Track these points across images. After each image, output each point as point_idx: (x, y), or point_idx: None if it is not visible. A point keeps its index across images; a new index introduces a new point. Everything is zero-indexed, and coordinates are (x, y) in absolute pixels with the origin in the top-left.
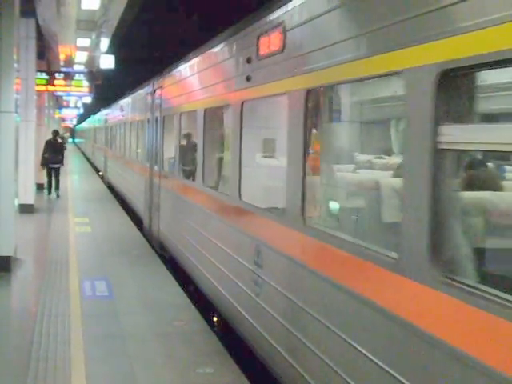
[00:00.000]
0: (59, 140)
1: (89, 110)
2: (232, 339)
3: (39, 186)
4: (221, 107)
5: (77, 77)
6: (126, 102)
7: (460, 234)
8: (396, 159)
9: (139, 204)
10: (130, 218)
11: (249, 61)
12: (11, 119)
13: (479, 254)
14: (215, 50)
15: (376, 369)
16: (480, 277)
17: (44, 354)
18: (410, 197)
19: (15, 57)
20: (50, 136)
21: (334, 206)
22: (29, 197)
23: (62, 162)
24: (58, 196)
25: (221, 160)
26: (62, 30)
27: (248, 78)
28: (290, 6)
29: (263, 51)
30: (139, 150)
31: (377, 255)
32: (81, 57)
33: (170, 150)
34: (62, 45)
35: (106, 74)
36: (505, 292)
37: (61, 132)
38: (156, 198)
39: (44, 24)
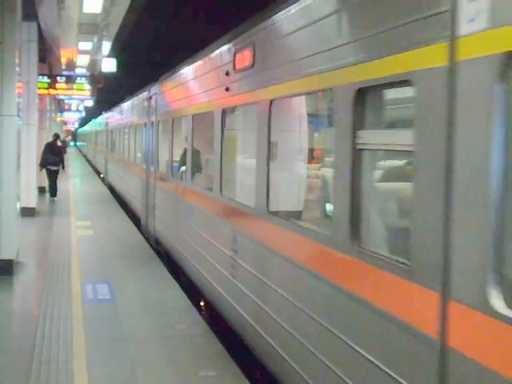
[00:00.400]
0: (59, 143)
1: (90, 114)
2: (234, 342)
3: (41, 190)
4: (206, 113)
5: (78, 80)
6: (124, 106)
7: (374, 215)
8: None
9: (137, 204)
10: (130, 218)
11: (227, 74)
12: (13, 123)
13: (388, 230)
14: (201, 62)
15: (318, 326)
16: (386, 247)
17: (46, 357)
18: (337, 185)
19: (17, 60)
20: (51, 139)
21: (288, 198)
22: (31, 200)
23: (62, 166)
24: (54, 195)
25: (206, 160)
26: (63, 33)
27: (227, 89)
28: (258, 28)
29: (238, 66)
30: (137, 153)
31: (318, 235)
32: (82, 60)
33: (164, 153)
34: (63, 48)
35: (108, 78)
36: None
37: (62, 135)
38: (152, 198)
39: (46, 27)
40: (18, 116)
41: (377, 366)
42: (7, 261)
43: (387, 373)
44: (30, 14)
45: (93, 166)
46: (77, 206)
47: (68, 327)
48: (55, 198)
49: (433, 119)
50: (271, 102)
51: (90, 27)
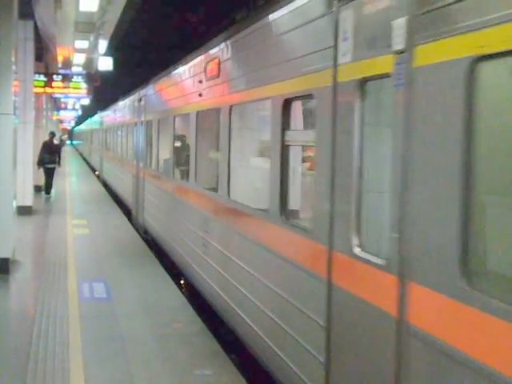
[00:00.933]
0: (55, 142)
1: (87, 112)
2: (231, 341)
3: (37, 188)
4: (185, 115)
5: (75, 79)
6: (118, 107)
7: (295, 194)
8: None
9: (128, 197)
10: (124, 214)
11: (200, 81)
12: (9, 121)
13: (302, 206)
14: (181, 70)
15: (258, 282)
16: (301, 218)
17: (42, 356)
18: (271, 173)
19: (13, 59)
20: (48, 138)
21: (242, 185)
22: (27, 199)
23: (58, 163)
24: (48, 193)
25: (185, 155)
26: (60, 31)
27: (200, 95)
28: (222, 45)
29: (208, 75)
30: (128, 150)
31: (261, 212)
32: (79, 59)
33: (152, 150)
34: (60, 47)
35: (105, 76)
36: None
37: (59, 134)
38: (141, 191)
39: (42, 26)
40: (15, 114)
41: (288, 300)
42: (3, 259)
43: (292, 303)
44: (27, 12)
45: (89, 164)
46: (73, 205)
47: (64, 326)
48: (49, 196)
49: (324, 123)
50: (231, 107)
51: (87, 26)
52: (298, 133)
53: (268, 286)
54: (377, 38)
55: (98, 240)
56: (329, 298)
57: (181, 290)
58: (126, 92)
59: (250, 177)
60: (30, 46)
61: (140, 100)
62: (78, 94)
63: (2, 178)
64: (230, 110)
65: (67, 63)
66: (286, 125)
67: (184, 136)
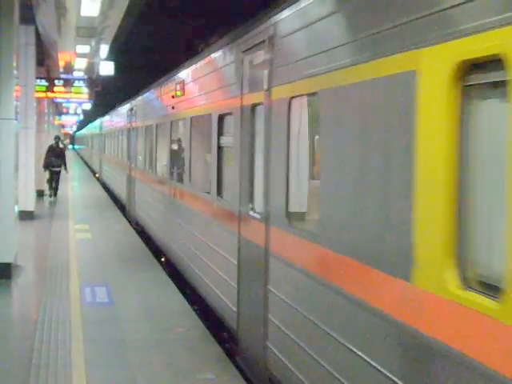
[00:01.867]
0: (61, 145)
1: (88, 117)
2: (233, 346)
3: (39, 193)
4: (163, 124)
5: (76, 83)
6: (113, 115)
7: (227, 181)
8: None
9: (122, 194)
10: (120, 211)
11: (173, 97)
12: (11, 126)
13: (232, 191)
14: (161, 86)
15: (209, 248)
16: (227, 195)
17: (45, 361)
18: (211, 167)
19: (15, 63)
20: (53, 142)
21: (197, 175)
22: (29, 203)
23: (64, 167)
24: (54, 195)
25: (164, 156)
26: (61, 36)
27: (173, 108)
28: (185, 71)
29: (178, 92)
30: (123, 152)
31: (227, 203)
32: (80, 63)
33: (140, 152)
34: (61, 51)
35: (106, 81)
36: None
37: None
38: (132, 187)
39: (43, 31)
40: (16, 119)
41: (217, 251)
42: (5, 264)
43: (219, 253)
44: (28, 17)
45: (90, 169)
46: (75, 209)
47: (66, 331)
48: (54, 198)
49: (236, 132)
50: (191, 118)
51: (88, 30)
52: (225, 138)
53: (205, 241)
54: (258, 79)
55: (100, 244)
56: (239, 245)
57: (183, 295)
58: (123, 100)
59: (201, 169)
60: (32, 50)
61: (131, 109)
62: (79, 99)
63: (4, 182)
64: (191, 120)
65: (68, 68)
66: (220, 132)
67: (164, 142)
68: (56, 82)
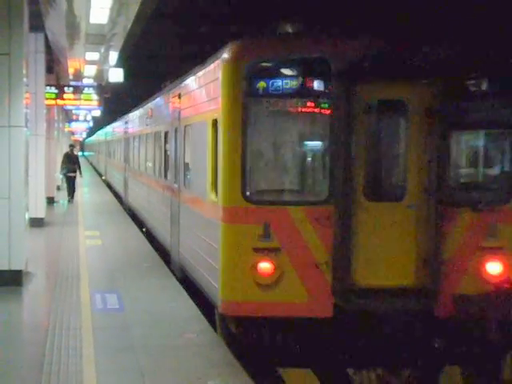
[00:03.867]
0: (75, 152)
1: (98, 124)
2: (243, 350)
3: (49, 200)
4: (144, 135)
5: (86, 90)
6: (113, 126)
7: (169, 167)
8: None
9: (120, 189)
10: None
11: (147, 118)
12: (21, 133)
13: (171, 171)
14: (140, 110)
15: (160, 210)
16: (171, 177)
17: (56, 367)
18: (162, 163)
19: (24, 71)
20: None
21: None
22: (39, 210)
23: (79, 171)
24: (72, 198)
25: (142, 158)
26: (70, 44)
27: (147, 124)
28: (152, 103)
29: (149, 114)
30: (120, 156)
31: (166, 181)
32: (90, 70)
33: (132, 154)
34: (70, 59)
35: (115, 87)
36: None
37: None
38: (126, 181)
39: (53, 38)
40: (26, 126)
41: (167, 215)
42: (16, 271)
43: (169, 216)
44: (37, 25)
45: (98, 173)
46: (85, 216)
47: (77, 337)
48: (72, 200)
49: (173, 142)
50: (154, 132)
51: (97, 38)
52: (167, 145)
53: (156, 203)
54: (177, 115)
55: (111, 251)
56: (170, 203)
57: (194, 301)
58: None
59: (157, 164)
60: (41, 58)
61: (126, 122)
62: (89, 106)
63: (15, 190)
64: (154, 135)
65: (78, 75)
66: (165, 142)
67: (148, 147)
68: (65, 89)
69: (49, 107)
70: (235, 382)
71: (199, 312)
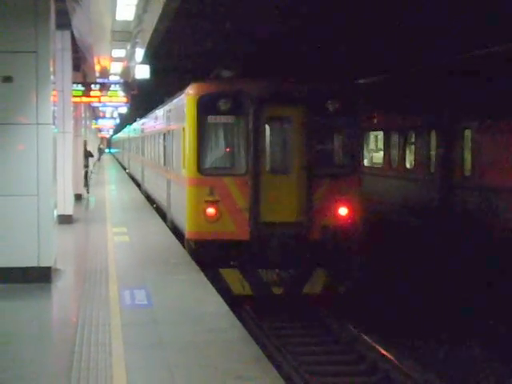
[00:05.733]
0: (88, 148)
1: (124, 121)
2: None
3: (77, 197)
4: (152, 136)
5: (112, 87)
6: (132, 127)
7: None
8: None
9: (139, 177)
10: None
11: (153, 122)
12: (49, 131)
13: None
14: (148, 117)
15: (159, 186)
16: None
17: (86, 364)
18: (161, 155)
19: (51, 69)
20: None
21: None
22: (67, 207)
23: (87, 166)
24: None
25: (152, 151)
26: (97, 41)
27: (152, 128)
28: (156, 112)
29: (154, 121)
30: (137, 151)
31: (164, 166)
32: (116, 67)
33: (145, 149)
34: (97, 56)
35: (142, 84)
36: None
37: (97, 143)
38: (143, 170)
39: (79, 36)
40: (54, 124)
41: (164, 188)
42: (45, 268)
43: (164, 189)
44: (64, 22)
45: (121, 164)
46: (113, 213)
47: (106, 333)
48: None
49: (166, 141)
50: (157, 134)
51: (123, 34)
52: (164, 142)
53: (160, 181)
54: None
55: (138, 247)
56: (167, 180)
57: (221, 296)
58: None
59: (160, 156)
60: (68, 55)
61: (142, 124)
62: (115, 103)
63: (43, 187)
64: (158, 134)
65: (104, 72)
66: (164, 140)
67: (151, 144)
68: (92, 86)
69: (76, 104)
70: (264, 378)
71: (228, 308)
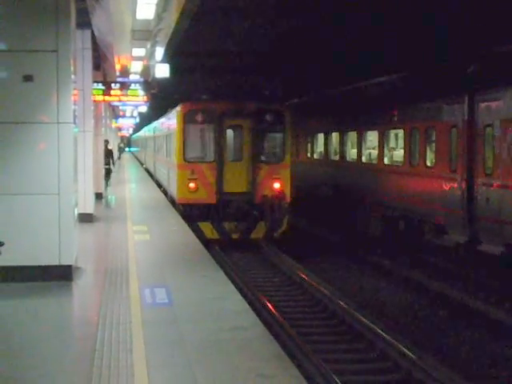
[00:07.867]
0: (109, 147)
1: (144, 120)
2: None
3: (98, 196)
4: (160, 136)
5: (132, 86)
6: (145, 129)
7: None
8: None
9: (151, 166)
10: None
11: (160, 126)
12: (70, 130)
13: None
14: (156, 122)
15: (164, 173)
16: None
17: (107, 362)
18: (164, 149)
19: (72, 68)
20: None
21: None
22: (88, 206)
23: (113, 163)
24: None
25: (162, 148)
26: (117, 40)
27: (160, 130)
28: (163, 118)
29: (161, 125)
30: (152, 148)
31: (166, 157)
32: (136, 66)
33: (157, 147)
34: (117, 55)
35: (162, 83)
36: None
37: (117, 141)
38: (155, 162)
39: (99, 35)
40: (74, 123)
41: (166, 174)
42: (66, 266)
43: (169, 175)
44: (84, 21)
45: (139, 161)
46: (133, 211)
47: (127, 332)
48: (107, 188)
49: (172, 140)
50: (162, 135)
51: (143, 33)
52: (166, 140)
53: (164, 169)
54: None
55: (159, 245)
56: (167, 168)
57: (242, 294)
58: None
59: (165, 151)
60: (88, 54)
61: (154, 128)
62: (135, 102)
63: (64, 186)
64: (166, 135)
65: (125, 71)
66: (165, 139)
67: (160, 142)
68: (112, 85)
69: (96, 103)
70: (285, 376)
71: (248, 306)
